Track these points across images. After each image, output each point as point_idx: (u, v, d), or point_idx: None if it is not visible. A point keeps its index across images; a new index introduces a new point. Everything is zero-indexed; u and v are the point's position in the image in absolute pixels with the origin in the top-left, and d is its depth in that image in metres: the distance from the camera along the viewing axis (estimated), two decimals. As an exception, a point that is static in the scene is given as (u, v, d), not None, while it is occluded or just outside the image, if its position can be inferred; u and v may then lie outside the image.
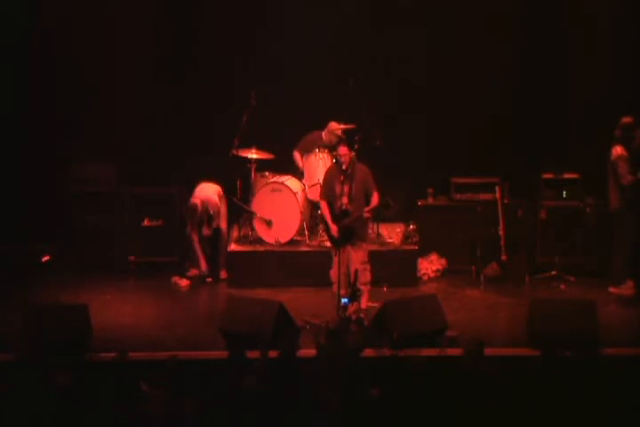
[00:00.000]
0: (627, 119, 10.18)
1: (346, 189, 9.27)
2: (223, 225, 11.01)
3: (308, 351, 8.04)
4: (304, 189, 11.07)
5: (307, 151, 11.16)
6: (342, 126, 11.17)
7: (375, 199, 9.30)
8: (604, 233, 10.71)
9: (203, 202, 10.79)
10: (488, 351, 7.36)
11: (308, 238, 11.02)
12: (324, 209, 9.45)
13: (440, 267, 11.11)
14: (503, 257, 10.90)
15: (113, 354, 7.60)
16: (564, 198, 11.18)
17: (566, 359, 7.77)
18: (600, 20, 11.87)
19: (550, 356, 7.68)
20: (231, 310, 8.85)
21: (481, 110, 12.00)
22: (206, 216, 10.83)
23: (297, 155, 11.30)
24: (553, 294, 10.43)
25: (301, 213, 10.86)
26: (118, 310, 9.86)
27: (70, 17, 11.86)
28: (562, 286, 10.68)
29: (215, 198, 10.88)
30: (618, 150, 10.16)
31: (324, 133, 11.21)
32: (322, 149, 11.01)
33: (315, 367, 7.17)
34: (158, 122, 12.05)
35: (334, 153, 10.03)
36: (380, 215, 10.99)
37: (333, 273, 9.38)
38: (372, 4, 12.00)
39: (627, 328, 9.34)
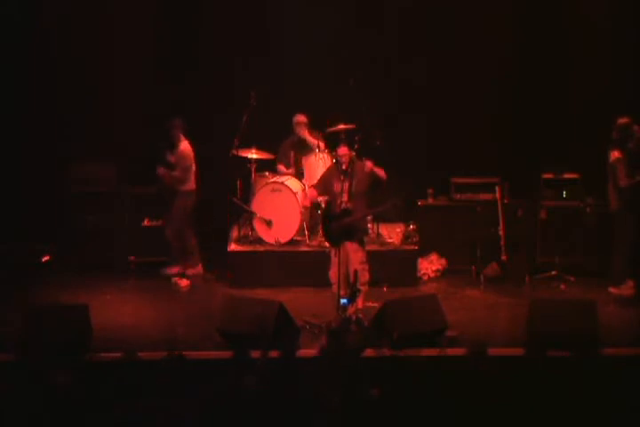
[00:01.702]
0: (623, 120, 10.18)
1: (345, 187, 9.28)
2: (175, 221, 10.99)
3: (308, 351, 8.04)
4: (304, 189, 11.07)
5: (285, 159, 11.32)
6: (304, 119, 11.24)
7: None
8: (604, 233, 10.71)
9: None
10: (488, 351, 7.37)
11: (308, 238, 11.02)
12: (311, 193, 9.73)
13: (440, 267, 11.11)
14: (503, 257, 10.89)
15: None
16: (564, 198, 11.18)
17: (563, 359, 7.79)
18: (600, 20, 11.85)
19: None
20: (231, 310, 8.85)
21: (481, 110, 11.99)
22: None
23: (280, 167, 11.40)
24: (553, 294, 10.43)
25: (301, 213, 10.86)
26: (118, 310, 9.86)
27: (70, 17, 11.85)
28: (562, 286, 10.68)
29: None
30: (615, 154, 10.17)
31: (294, 131, 11.28)
32: (322, 150, 11.05)
33: (315, 367, 7.17)
34: (158, 122, 12.02)
35: (334, 153, 10.05)
36: (382, 215, 10.98)
37: (333, 274, 9.38)
38: (373, 4, 11.99)
39: (627, 328, 9.34)
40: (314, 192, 9.80)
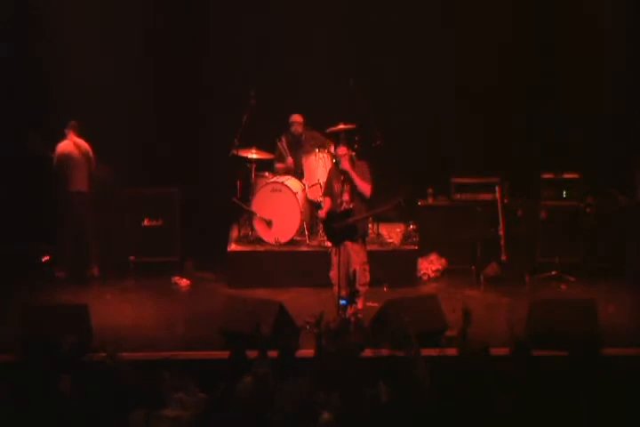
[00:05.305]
0: None
1: (346, 187, 9.27)
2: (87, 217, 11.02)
3: (308, 351, 8.03)
4: (304, 189, 11.07)
5: (281, 158, 11.31)
6: (300, 119, 11.25)
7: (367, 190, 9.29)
8: (604, 233, 10.70)
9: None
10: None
11: (308, 238, 11.02)
12: (326, 206, 9.49)
13: (440, 267, 11.11)
14: (503, 257, 10.89)
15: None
16: (564, 198, 11.19)
17: (563, 359, 7.77)
18: (600, 19, 11.84)
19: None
20: (231, 309, 8.85)
21: (481, 110, 11.98)
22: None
23: (278, 166, 11.37)
24: (553, 294, 10.43)
25: (301, 213, 10.86)
26: (118, 310, 9.87)
27: (70, 16, 11.83)
28: (562, 286, 10.68)
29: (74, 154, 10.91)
30: None
31: (289, 129, 11.30)
32: (322, 150, 11.05)
33: (315, 367, 7.17)
34: (158, 122, 12.02)
35: (334, 153, 10.05)
36: (382, 214, 10.98)
37: (333, 275, 9.37)
38: (372, 3, 11.98)
39: (627, 328, 9.34)
40: (328, 201, 9.55)
